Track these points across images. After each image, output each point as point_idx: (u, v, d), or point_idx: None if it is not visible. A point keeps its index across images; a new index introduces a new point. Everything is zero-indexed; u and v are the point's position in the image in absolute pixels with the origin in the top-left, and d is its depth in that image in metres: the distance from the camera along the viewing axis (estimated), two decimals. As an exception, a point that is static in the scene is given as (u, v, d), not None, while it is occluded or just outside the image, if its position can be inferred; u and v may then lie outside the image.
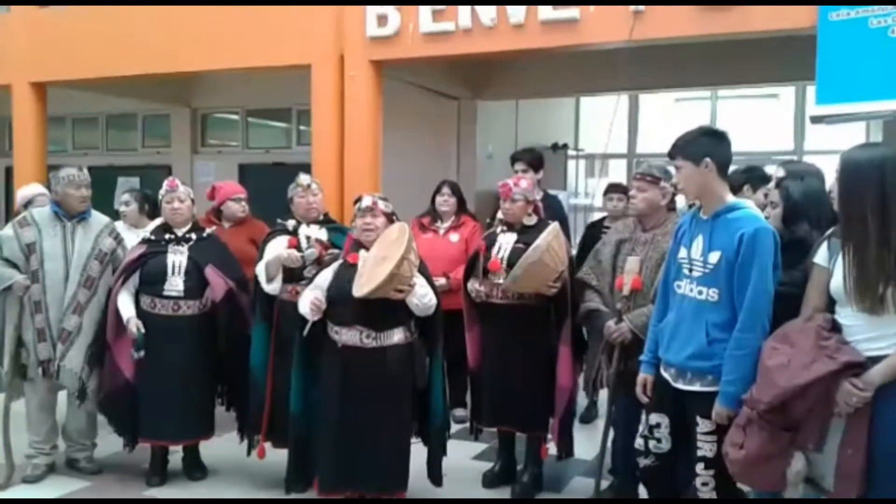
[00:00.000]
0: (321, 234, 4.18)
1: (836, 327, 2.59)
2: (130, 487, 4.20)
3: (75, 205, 4.21)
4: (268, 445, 4.14)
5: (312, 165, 5.84)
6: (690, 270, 2.96)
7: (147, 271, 4.10)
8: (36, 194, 5.07)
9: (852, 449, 2.47)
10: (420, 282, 3.54)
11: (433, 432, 3.81)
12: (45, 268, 4.12)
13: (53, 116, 7.75)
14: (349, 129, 5.83)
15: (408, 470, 3.64)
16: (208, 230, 4.35)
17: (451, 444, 4.02)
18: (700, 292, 2.91)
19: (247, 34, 6.05)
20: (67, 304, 4.12)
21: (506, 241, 4.04)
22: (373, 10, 5.63)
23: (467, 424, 4.40)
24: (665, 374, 3.05)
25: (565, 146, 9.95)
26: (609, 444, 3.81)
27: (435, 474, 3.82)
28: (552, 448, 4.11)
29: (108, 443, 4.52)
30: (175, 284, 4.07)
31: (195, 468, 4.34)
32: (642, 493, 3.51)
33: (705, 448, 2.87)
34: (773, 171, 3.61)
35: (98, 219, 4.36)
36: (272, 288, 4.00)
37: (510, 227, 4.08)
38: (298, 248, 4.06)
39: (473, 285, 4.06)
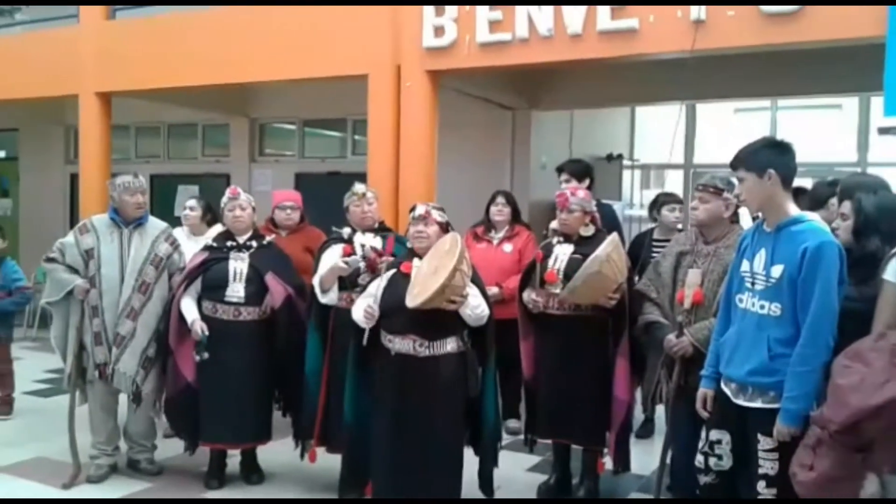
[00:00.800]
0: (376, 242, 4.21)
1: (910, 345, 2.52)
2: (189, 489, 4.28)
3: (131, 211, 4.31)
4: (321, 450, 4.18)
5: (368, 175, 5.89)
6: (753, 284, 2.91)
7: (209, 277, 4.18)
8: None
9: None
10: (473, 292, 3.54)
11: (485, 442, 3.79)
12: (102, 273, 4.23)
13: (117, 125, 7.98)
14: (404, 139, 5.87)
15: (460, 479, 3.64)
16: (268, 238, 4.42)
17: (506, 455, 4.01)
18: (762, 306, 2.86)
19: (304, 45, 6.15)
20: (122, 308, 4.22)
21: (562, 252, 4.01)
22: (430, 21, 5.66)
23: (521, 436, 4.38)
24: (726, 390, 3.00)
25: (620, 156, 9.85)
26: (668, 460, 3.75)
27: (486, 484, 3.81)
28: (608, 462, 4.06)
29: (169, 445, 4.62)
30: (236, 290, 4.15)
31: (252, 472, 4.41)
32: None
33: (767, 466, 2.81)
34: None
35: (155, 224, 4.46)
36: (328, 299, 4.02)
37: (567, 237, 4.05)
38: (353, 256, 4.10)
39: (530, 296, 4.05)
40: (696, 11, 4.80)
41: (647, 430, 5.22)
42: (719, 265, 3.49)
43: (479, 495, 3.81)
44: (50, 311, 4.38)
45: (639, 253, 4.96)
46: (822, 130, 10.35)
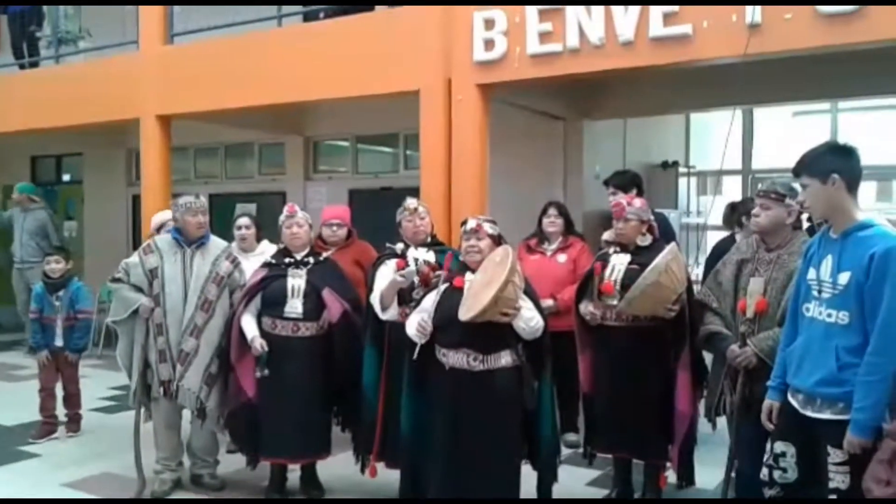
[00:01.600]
0: (429, 256, 4.21)
1: None
2: (251, 504, 4.34)
3: (193, 231, 4.41)
4: (381, 465, 4.19)
5: (420, 189, 5.92)
6: (819, 292, 2.83)
7: (268, 294, 4.25)
8: (167, 220, 5.36)
9: None
10: (527, 305, 3.52)
11: (543, 456, 3.75)
12: (166, 292, 4.33)
13: (177, 147, 8.18)
14: (456, 153, 5.87)
15: (518, 494, 3.61)
16: (325, 254, 4.47)
17: (564, 470, 3.96)
18: (829, 315, 2.78)
19: (356, 63, 6.22)
20: (185, 326, 4.30)
21: (619, 263, 3.97)
22: (480, 35, 5.66)
23: (580, 449, 4.32)
24: (793, 401, 2.92)
25: (675, 164, 9.72)
26: (733, 473, 3.65)
27: (545, 499, 3.77)
28: (671, 476, 3.98)
29: (231, 460, 4.69)
30: (294, 307, 4.20)
31: (312, 486, 4.44)
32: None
33: (838, 480, 2.72)
34: None
35: (216, 243, 4.54)
36: (389, 315, 4.01)
37: (623, 248, 4.01)
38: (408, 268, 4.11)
39: (587, 308, 4.01)
40: (751, 14, 4.70)
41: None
42: (782, 273, 3.41)
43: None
44: (115, 330, 4.49)
45: None
46: (885, 131, 10.05)
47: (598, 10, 5.21)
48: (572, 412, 5.08)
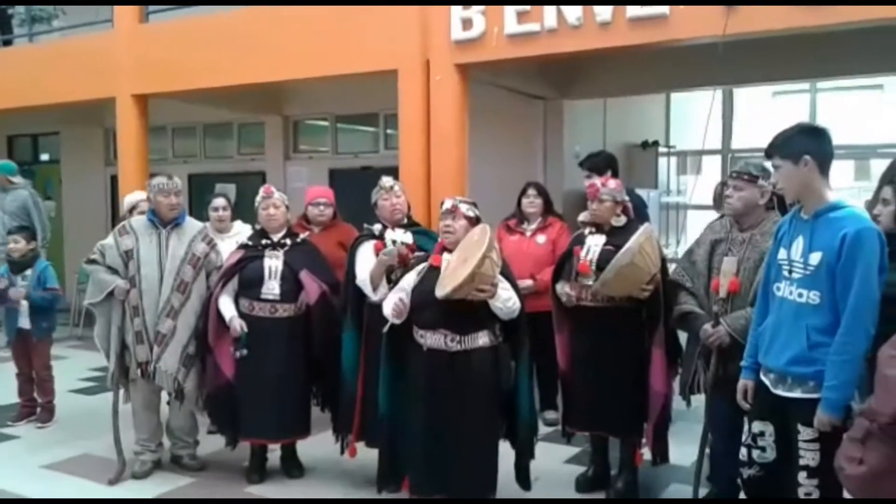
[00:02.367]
0: (406, 237, 4.22)
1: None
2: (232, 484, 4.35)
3: (165, 212, 4.38)
4: (360, 445, 4.21)
5: (399, 169, 5.91)
6: (790, 272, 2.86)
7: (245, 275, 4.24)
8: (139, 200, 5.32)
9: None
10: (503, 285, 3.53)
11: (520, 436, 3.79)
12: (142, 273, 4.31)
13: (155, 126, 8.10)
14: (435, 133, 5.86)
15: (496, 473, 3.64)
16: (302, 235, 4.46)
17: (543, 447, 4.01)
18: (800, 295, 2.81)
19: (335, 43, 6.17)
20: (161, 307, 4.29)
21: (594, 243, 3.99)
22: (457, 14, 5.64)
23: (559, 427, 4.37)
24: (765, 380, 2.96)
25: (656, 143, 9.74)
26: (707, 450, 3.71)
27: (523, 478, 3.81)
28: (647, 453, 4.03)
29: (211, 441, 4.70)
30: (272, 288, 4.20)
31: (293, 466, 4.47)
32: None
33: (808, 457, 2.77)
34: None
35: (192, 224, 4.52)
36: (381, 295, 3.97)
37: (599, 228, 4.02)
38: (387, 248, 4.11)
39: (563, 288, 4.03)
40: (729, -6, 4.70)
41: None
42: (755, 253, 3.45)
43: (518, 489, 3.82)
44: (93, 312, 4.47)
45: None
46: (863, 111, 10.13)
47: (575, -11, 5.19)
48: (552, 390, 5.12)
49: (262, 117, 9.29)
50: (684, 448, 4.07)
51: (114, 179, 9.04)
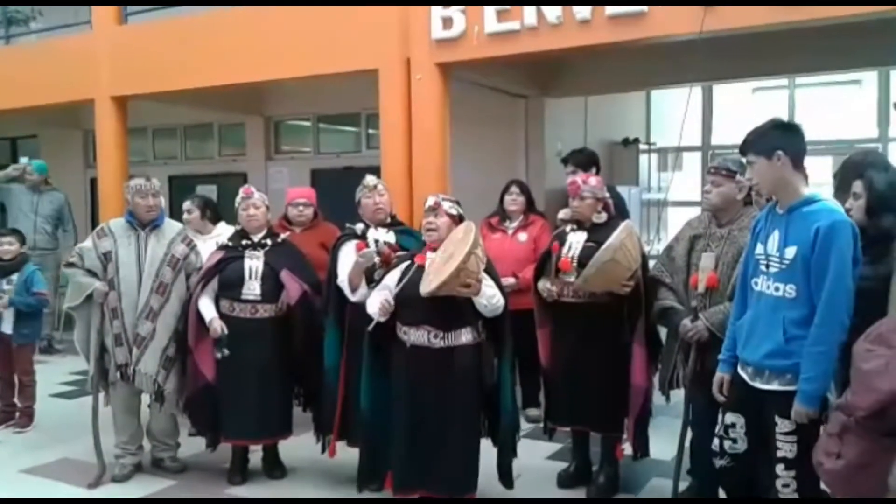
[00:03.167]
0: (389, 236, 4.21)
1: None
2: (213, 486, 4.33)
3: (143, 214, 4.35)
4: (342, 445, 4.20)
5: (381, 168, 5.90)
6: (767, 266, 2.89)
7: (225, 276, 4.22)
8: None
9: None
10: (488, 282, 3.54)
11: (503, 433, 3.80)
12: (121, 275, 4.28)
13: (135, 128, 8.03)
14: (417, 132, 5.86)
15: (477, 471, 3.65)
16: (283, 235, 4.45)
17: (525, 444, 4.01)
18: (777, 289, 2.84)
19: (315, 43, 6.16)
20: (141, 309, 4.26)
21: (576, 240, 4.00)
22: (438, 13, 5.64)
23: (541, 424, 4.38)
24: (742, 373, 2.99)
25: (636, 140, 9.79)
26: (687, 444, 3.73)
27: (505, 476, 3.81)
28: (627, 448, 4.05)
29: (192, 443, 4.67)
30: (252, 288, 4.18)
31: (275, 467, 4.45)
32: (721, 495, 3.43)
33: (785, 449, 2.80)
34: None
35: (171, 226, 4.50)
36: (360, 296, 3.96)
37: (580, 225, 4.04)
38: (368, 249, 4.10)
39: (544, 285, 4.04)
40: (706, -8, 4.73)
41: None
42: (733, 248, 3.47)
43: (499, 487, 3.83)
44: (73, 315, 4.43)
45: None
46: (841, 107, 10.22)
47: (554, -12, 5.21)
48: (534, 387, 5.14)
49: (243, 118, 9.26)
50: (664, 442, 4.09)
51: (94, 182, 8.99)
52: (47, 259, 7.33)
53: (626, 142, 9.60)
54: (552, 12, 5.22)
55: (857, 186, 3.16)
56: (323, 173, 8.68)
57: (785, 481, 2.79)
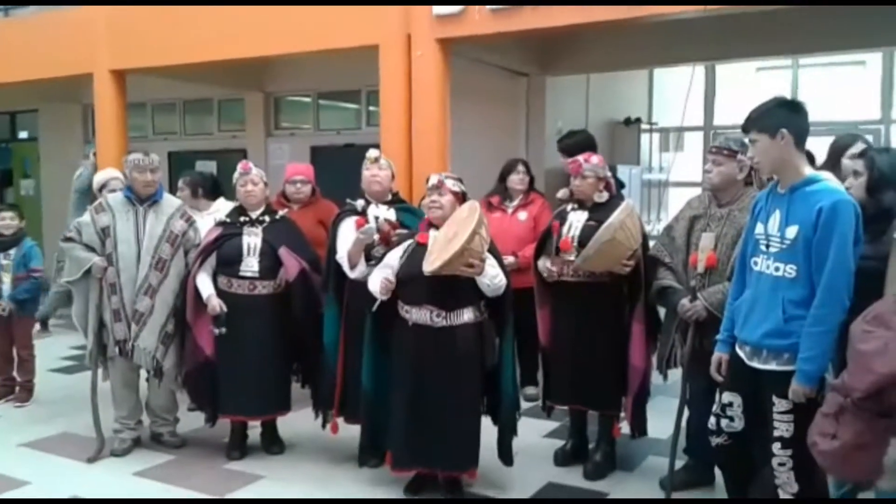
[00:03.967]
0: (390, 213, 4.18)
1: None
2: (212, 461, 4.35)
3: (141, 189, 4.34)
4: (341, 420, 4.22)
5: (381, 145, 5.87)
6: (767, 246, 2.87)
7: (223, 253, 4.21)
8: (109, 178, 5.26)
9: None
10: (490, 262, 3.54)
11: (503, 412, 3.81)
12: (119, 251, 4.27)
13: (135, 103, 7.97)
14: (417, 109, 5.82)
15: (478, 448, 3.67)
16: (281, 212, 4.43)
17: (523, 422, 4.02)
18: (777, 268, 2.82)
19: (316, 18, 6.10)
20: (139, 285, 4.25)
21: (577, 219, 3.99)
22: (439, -12, 5.58)
23: (539, 402, 4.39)
24: (740, 353, 2.98)
25: (638, 120, 9.74)
26: (684, 423, 3.74)
27: (505, 454, 3.84)
28: (625, 427, 4.06)
29: (192, 418, 4.69)
30: (250, 265, 4.17)
31: (273, 443, 4.47)
32: (717, 474, 3.45)
33: (782, 428, 2.80)
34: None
35: (170, 201, 4.48)
36: (359, 273, 3.95)
37: (581, 204, 4.02)
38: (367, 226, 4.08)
39: (544, 264, 4.03)
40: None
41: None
42: (733, 228, 3.46)
43: (499, 464, 3.85)
44: (72, 290, 4.43)
45: None
46: (845, 88, 10.15)
47: (558, -37, 5.15)
48: (532, 366, 5.15)
49: (243, 93, 9.19)
50: (662, 421, 4.10)
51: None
52: None
53: (627, 121, 9.56)
54: (555, -12, 5.16)
55: (858, 165, 3.14)
56: (323, 150, 8.64)
57: (781, 460, 2.80)
